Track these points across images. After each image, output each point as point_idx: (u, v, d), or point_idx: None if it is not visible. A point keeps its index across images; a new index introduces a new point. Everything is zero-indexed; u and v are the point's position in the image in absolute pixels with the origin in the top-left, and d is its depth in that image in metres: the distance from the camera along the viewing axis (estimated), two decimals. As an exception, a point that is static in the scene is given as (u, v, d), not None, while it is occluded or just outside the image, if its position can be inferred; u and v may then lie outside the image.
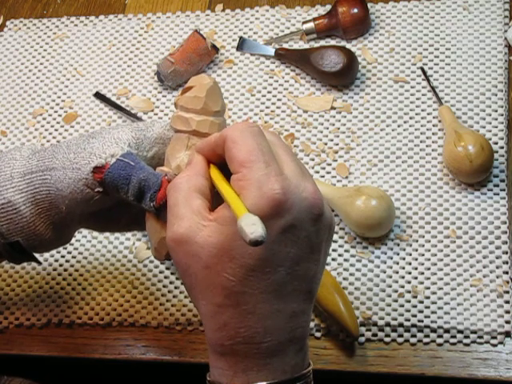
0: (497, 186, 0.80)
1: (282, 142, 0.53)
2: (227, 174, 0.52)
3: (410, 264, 0.78)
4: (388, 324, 0.75)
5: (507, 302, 0.74)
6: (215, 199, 0.53)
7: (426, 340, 0.74)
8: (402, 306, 0.75)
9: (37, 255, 0.62)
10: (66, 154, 0.58)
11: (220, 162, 0.53)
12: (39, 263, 0.65)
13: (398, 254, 0.79)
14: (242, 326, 0.51)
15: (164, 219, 0.54)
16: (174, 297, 0.80)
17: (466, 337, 0.73)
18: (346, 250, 0.80)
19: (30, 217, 0.58)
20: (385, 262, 0.78)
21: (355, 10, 0.92)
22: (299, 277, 0.51)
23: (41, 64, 1.01)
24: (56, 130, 0.95)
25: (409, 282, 0.77)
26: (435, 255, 0.78)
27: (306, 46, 0.95)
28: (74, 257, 0.84)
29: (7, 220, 0.58)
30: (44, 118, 0.96)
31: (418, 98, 0.88)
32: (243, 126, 0.51)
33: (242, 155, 0.50)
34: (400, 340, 0.75)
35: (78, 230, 0.63)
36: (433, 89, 0.87)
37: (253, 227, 0.45)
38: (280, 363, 0.52)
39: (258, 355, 0.52)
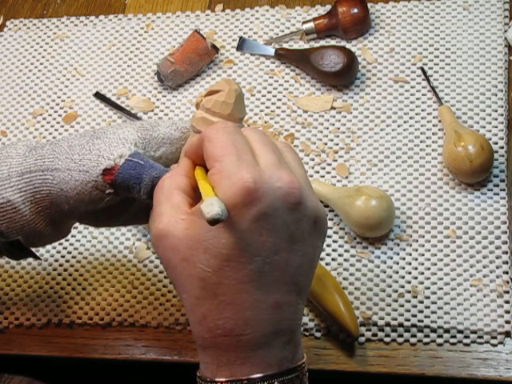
0: (497, 186, 0.80)
1: (262, 136, 0.53)
2: None
3: (410, 264, 0.78)
4: (388, 324, 0.75)
5: (507, 302, 0.74)
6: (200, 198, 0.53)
7: (426, 340, 0.74)
8: (402, 306, 0.75)
9: (36, 252, 0.62)
10: (70, 155, 0.58)
11: (204, 162, 0.54)
12: (39, 259, 0.65)
13: (398, 254, 0.79)
14: (221, 318, 0.51)
15: None
16: (174, 297, 0.80)
17: (466, 337, 0.73)
18: (346, 250, 0.80)
19: (30, 215, 0.58)
20: (385, 262, 0.78)
21: (355, 10, 0.92)
22: (280, 267, 0.51)
23: (41, 64, 1.01)
24: (56, 130, 0.95)
25: (409, 282, 0.77)
26: (435, 255, 0.78)
27: (306, 46, 0.95)
28: (74, 257, 0.84)
29: (7, 219, 0.58)
30: (44, 118, 0.96)
31: (418, 98, 0.88)
32: (219, 125, 0.53)
33: (216, 151, 0.51)
34: (400, 340, 0.75)
35: (74, 224, 0.64)
36: (433, 89, 0.87)
37: (209, 207, 0.46)
38: (264, 356, 0.52)
39: (239, 348, 0.51)
